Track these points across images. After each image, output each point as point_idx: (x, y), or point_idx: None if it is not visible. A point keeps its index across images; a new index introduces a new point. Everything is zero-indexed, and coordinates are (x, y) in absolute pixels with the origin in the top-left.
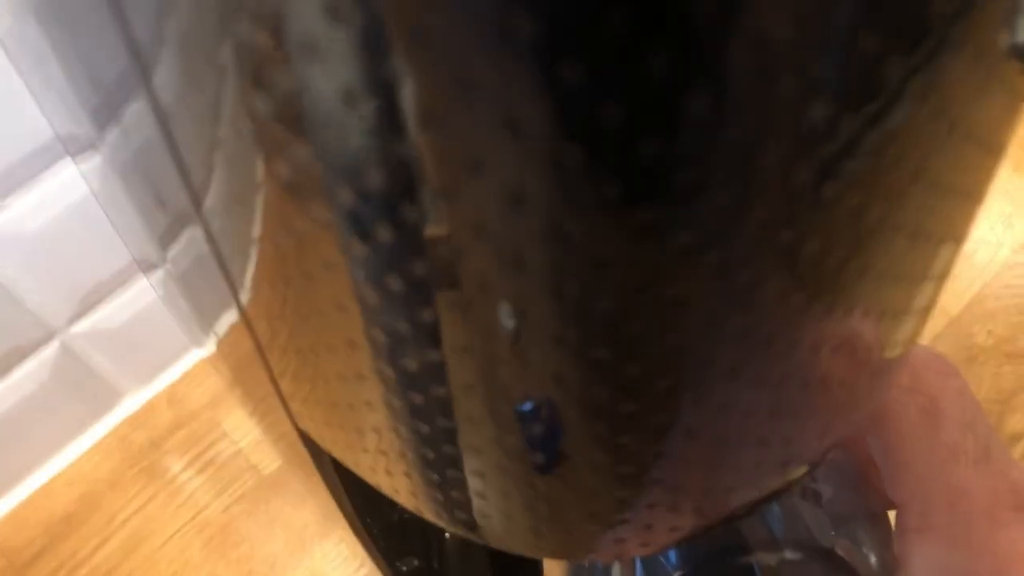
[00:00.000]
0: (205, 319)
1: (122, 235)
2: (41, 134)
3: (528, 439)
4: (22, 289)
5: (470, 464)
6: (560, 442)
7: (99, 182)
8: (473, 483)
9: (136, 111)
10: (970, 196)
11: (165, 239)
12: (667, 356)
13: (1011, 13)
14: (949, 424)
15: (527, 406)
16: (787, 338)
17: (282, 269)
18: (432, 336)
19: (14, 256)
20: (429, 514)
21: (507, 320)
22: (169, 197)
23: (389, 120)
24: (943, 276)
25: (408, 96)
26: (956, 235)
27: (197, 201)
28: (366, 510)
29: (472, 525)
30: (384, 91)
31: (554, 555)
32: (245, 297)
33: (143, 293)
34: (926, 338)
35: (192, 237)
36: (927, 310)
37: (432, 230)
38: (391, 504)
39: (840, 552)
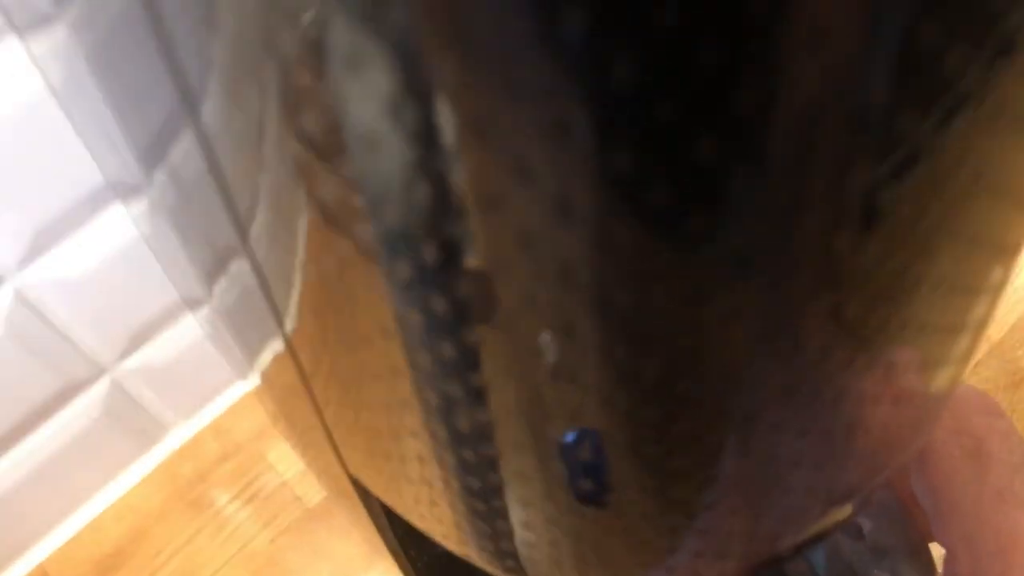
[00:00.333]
0: (249, 353)
1: (169, 274)
2: (90, 180)
3: (575, 475)
4: (73, 329)
5: (518, 514)
6: (609, 473)
7: (147, 224)
8: (522, 533)
9: (183, 149)
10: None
11: (211, 275)
12: (717, 374)
13: None
14: (996, 467)
15: (574, 439)
16: (840, 355)
17: (326, 297)
18: (476, 362)
19: (66, 298)
20: (479, 561)
21: (552, 343)
22: (215, 232)
23: (431, 135)
24: (987, 318)
25: (450, 108)
26: (1001, 277)
27: (243, 232)
28: (410, 542)
29: (522, 573)
30: (425, 103)
31: None
32: (290, 328)
33: (189, 329)
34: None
35: (237, 271)
36: (974, 343)
37: (477, 248)
38: None
39: None
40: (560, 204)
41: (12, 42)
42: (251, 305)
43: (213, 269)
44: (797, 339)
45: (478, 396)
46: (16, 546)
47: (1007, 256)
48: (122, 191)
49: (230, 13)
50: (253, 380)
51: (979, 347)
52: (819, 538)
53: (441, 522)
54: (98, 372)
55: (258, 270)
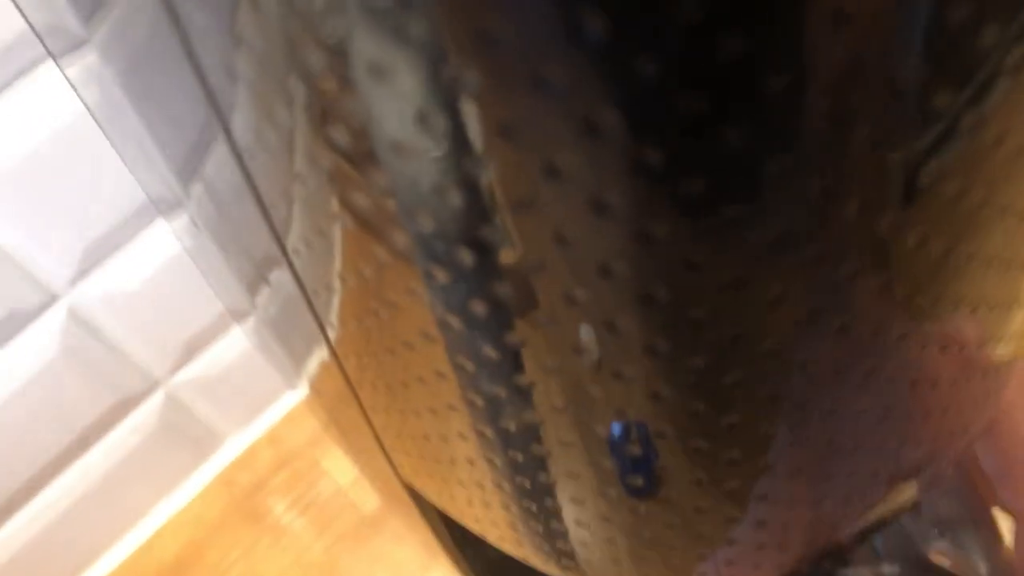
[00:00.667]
0: (296, 362)
1: (214, 288)
2: (136, 195)
3: (626, 471)
4: (126, 343)
5: (573, 514)
6: (661, 467)
7: (189, 239)
8: (576, 531)
9: (217, 163)
10: None
11: (253, 287)
12: (766, 361)
13: None
14: None
15: (623, 434)
16: (892, 335)
17: (367, 304)
18: (519, 362)
19: (118, 313)
20: (536, 561)
21: (596, 339)
22: (254, 243)
23: (463, 138)
24: None
25: (481, 109)
26: None
27: (282, 243)
28: (467, 545)
29: (579, 571)
30: (455, 107)
31: None
32: (334, 336)
33: (241, 339)
34: None
35: (279, 282)
36: None
37: (511, 248)
38: None
39: (944, 560)
40: (595, 201)
41: (54, 64)
42: (294, 315)
43: (255, 280)
44: (846, 321)
45: (523, 396)
46: (80, 561)
47: None
48: (163, 207)
49: (256, 29)
50: (303, 389)
51: None
52: (884, 524)
53: (496, 524)
54: (153, 385)
55: (299, 280)
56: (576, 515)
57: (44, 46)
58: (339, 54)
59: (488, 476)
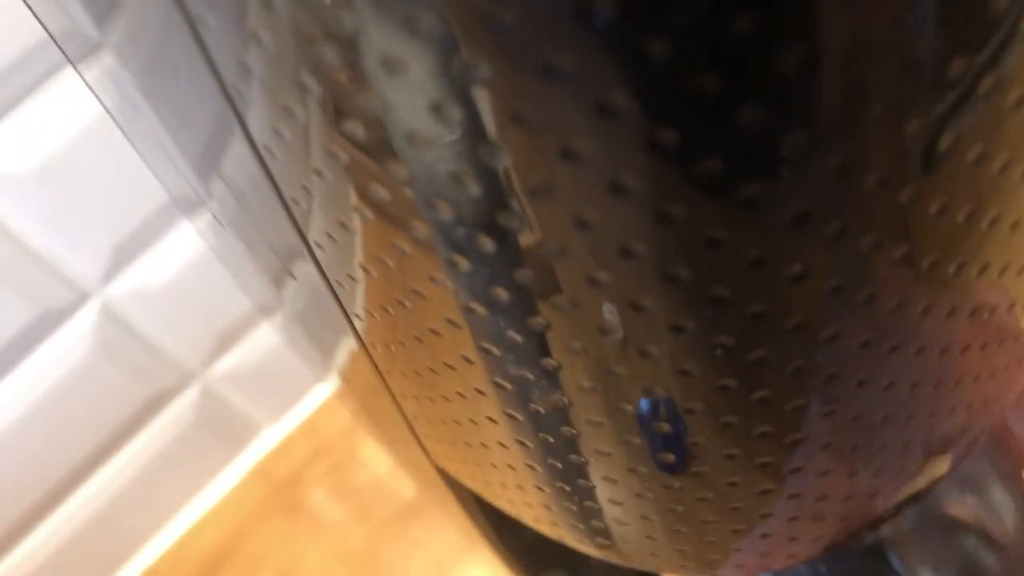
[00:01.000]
0: (325, 354)
1: (240, 284)
2: (164, 192)
3: (658, 446)
4: (160, 338)
5: (606, 492)
6: (691, 443)
7: (212, 236)
8: (611, 510)
9: (235, 159)
10: None
11: (278, 281)
12: (793, 336)
13: None
14: None
15: (652, 411)
16: (918, 305)
17: (390, 293)
18: (544, 345)
19: (150, 308)
20: (572, 541)
21: (620, 320)
22: (277, 238)
23: (477, 126)
24: None
25: (493, 96)
26: None
27: (303, 236)
28: (504, 528)
29: (616, 549)
30: (467, 96)
31: (700, 572)
32: (360, 326)
33: (273, 331)
34: None
35: (303, 275)
36: None
37: (531, 232)
38: None
39: (970, 518)
40: (613, 184)
41: None
42: (320, 307)
43: (279, 275)
44: (871, 294)
45: (551, 378)
46: (120, 554)
47: None
48: (185, 206)
49: (267, 26)
50: (333, 381)
51: None
52: (919, 496)
53: (530, 506)
54: (187, 379)
55: (323, 272)
56: (609, 493)
57: (61, 51)
58: (350, 48)
59: (520, 458)
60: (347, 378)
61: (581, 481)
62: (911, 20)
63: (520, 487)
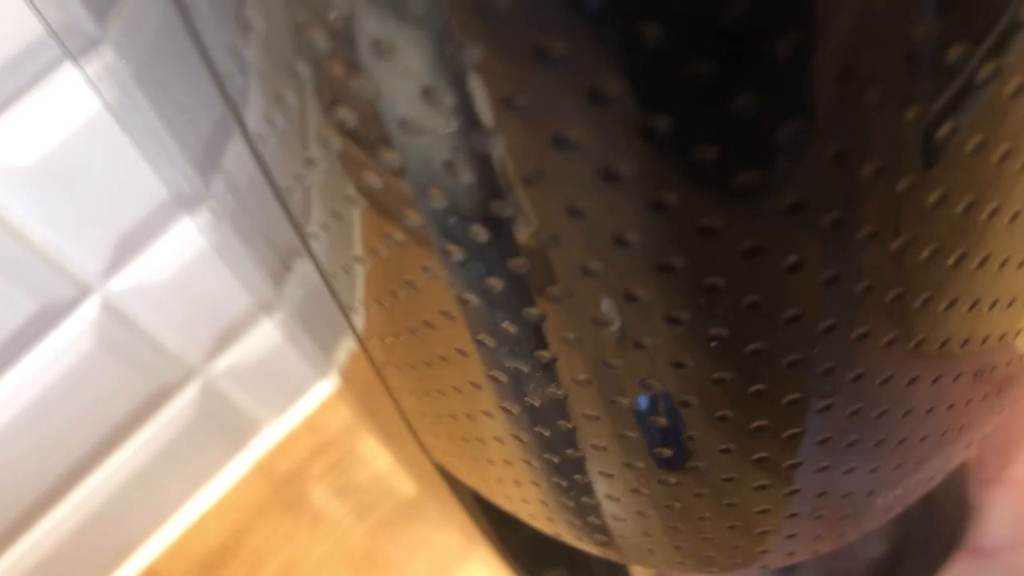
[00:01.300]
0: (324, 351)
1: (241, 280)
2: (164, 189)
3: (654, 440)
4: (162, 334)
5: (602, 488)
6: (688, 437)
7: (213, 233)
8: (608, 506)
9: (234, 156)
10: None
11: (278, 278)
12: (788, 328)
13: None
14: None
15: (648, 406)
16: (916, 298)
17: (385, 283)
18: (539, 338)
19: (152, 304)
20: (569, 537)
21: (616, 311)
22: (275, 234)
23: (469, 113)
24: None
25: (485, 82)
26: None
27: (301, 232)
28: (503, 526)
29: (613, 545)
30: (459, 82)
31: (697, 570)
32: (357, 321)
33: (275, 327)
34: None
35: (301, 271)
36: None
37: (525, 221)
38: None
39: None
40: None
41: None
42: (319, 303)
43: (278, 271)
44: (868, 284)
45: (546, 371)
46: (122, 549)
47: None
48: (184, 202)
49: (260, 13)
50: (334, 378)
51: None
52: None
53: (527, 501)
54: (189, 375)
55: (318, 264)
56: (606, 489)
57: (62, 46)
58: (342, 34)
59: (516, 453)
60: (346, 375)
61: (577, 476)
62: (910, 4)
63: (517, 483)
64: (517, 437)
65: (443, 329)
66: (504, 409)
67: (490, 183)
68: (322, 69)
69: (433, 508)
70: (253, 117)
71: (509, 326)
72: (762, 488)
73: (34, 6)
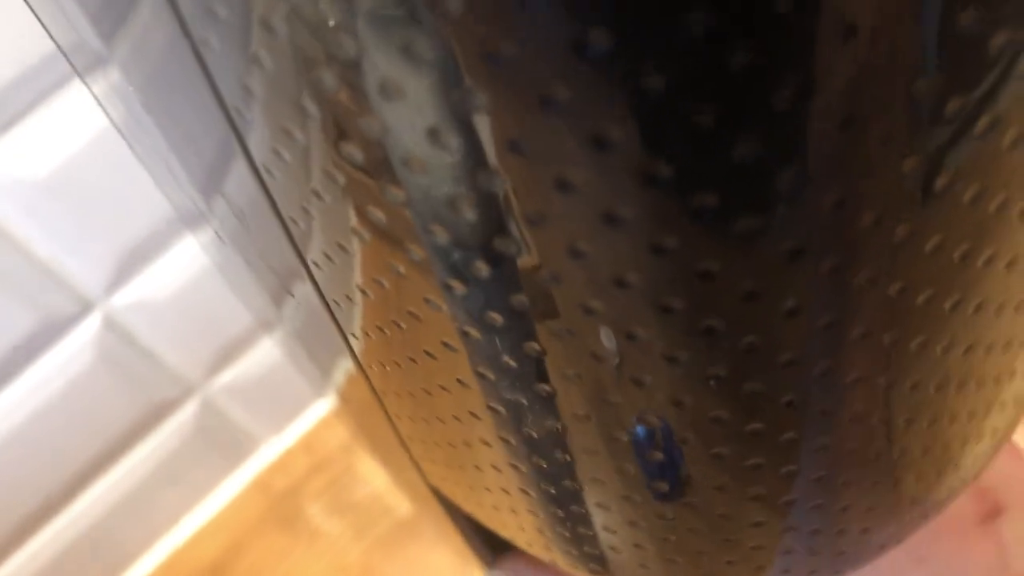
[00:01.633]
0: (323, 372)
1: (242, 300)
2: (167, 207)
3: (652, 474)
4: (162, 350)
5: (599, 519)
6: (685, 473)
7: (215, 252)
8: (605, 536)
9: (236, 177)
10: None
11: (278, 299)
12: (786, 370)
13: None
14: None
15: (646, 440)
16: (912, 342)
17: (386, 314)
18: (541, 370)
19: (153, 320)
20: (565, 566)
21: (615, 349)
22: (276, 257)
23: (474, 154)
24: None
25: (490, 125)
26: None
27: (302, 256)
28: (499, 551)
29: (608, 574)
30: (465, 124)
31: None
32: (357, 346)
33: (274, 345)
34: None
35: (302, 294)
36: None
37: (527, 259)
38: None
39: None
40: (608, 215)
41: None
42: (319, 326)
43: (279, 293)
44: (866, 329)
45: (545, 404)
46: (117, 564)
47: None
48: (189, 220)
49: (269, 50)
50: (332, 397)
51: None
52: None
53: (523, 529)
54: (188, 392)
55: (320, 292)
56: (603, 520)
57: (70, 64)
58: (350, 72)
59: (514, 482)
60: (344, 396)
61: (575, 507)
62: (908, 57)
63: (514, 511)
64: (515, 467)
65: (444, 360)
66: (503, 439)
67: (493, 221)
68: (329, 106)
69: (429, 528)
70: (259, 147)
71: (510, 360)
72: (758, 524)
73: (43, 24)
